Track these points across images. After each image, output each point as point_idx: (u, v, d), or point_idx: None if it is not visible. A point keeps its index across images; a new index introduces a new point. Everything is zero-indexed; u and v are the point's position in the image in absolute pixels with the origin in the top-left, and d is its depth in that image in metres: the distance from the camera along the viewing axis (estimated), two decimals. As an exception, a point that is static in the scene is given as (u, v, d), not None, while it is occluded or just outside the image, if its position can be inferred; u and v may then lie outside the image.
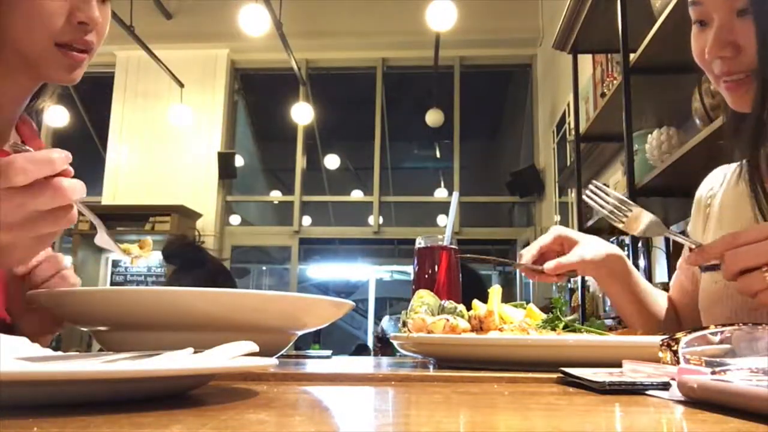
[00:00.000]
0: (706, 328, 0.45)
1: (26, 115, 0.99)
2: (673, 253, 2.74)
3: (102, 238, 0.74)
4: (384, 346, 2.72)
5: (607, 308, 3.21)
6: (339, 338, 9.33)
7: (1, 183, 0.57)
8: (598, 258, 1.01)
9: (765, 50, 0.80)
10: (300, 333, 0.78)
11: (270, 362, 0.48)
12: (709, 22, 0.86)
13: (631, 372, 0.53)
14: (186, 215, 6.16)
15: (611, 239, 3.27)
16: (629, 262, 1.07)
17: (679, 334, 0.46)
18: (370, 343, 8.01)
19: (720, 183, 1.06)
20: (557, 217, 5.44)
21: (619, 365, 0.59)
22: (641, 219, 0.82)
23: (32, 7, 0.83)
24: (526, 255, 1.03)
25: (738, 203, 0.94)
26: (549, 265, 0.98)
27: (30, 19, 0.84)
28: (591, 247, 1.03)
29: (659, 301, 1.10)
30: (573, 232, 1.06)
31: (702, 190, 1.10)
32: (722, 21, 0.84)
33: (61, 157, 0.59)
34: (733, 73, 0.85)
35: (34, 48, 0.85)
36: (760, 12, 0.80)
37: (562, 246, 1.03)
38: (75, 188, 0.60)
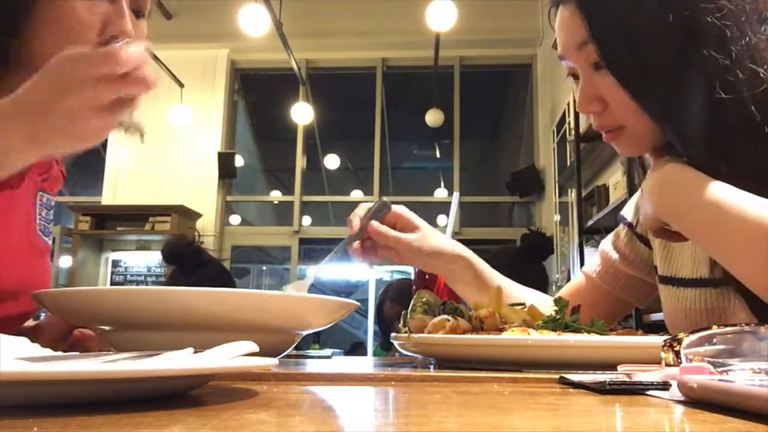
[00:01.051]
0: (709, 328, 0.45)
1: None
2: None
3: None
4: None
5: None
6: (339, 338, 9.32)
7: (104, 69, 0.61)
8: (439, 252, 0.99)
9: (639, 99, 0.77)
10: (304, 333, 0.78)
11: (270, 362, 0.48)
12: (578, 76, 0.84)
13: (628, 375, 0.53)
14: (186, 215, 6.16)
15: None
16: (478, 263, 1.03)
17: (681, 335, 0.46)
18: (370, 343, 8.01)
19: None
20: (557, 217, 5.44)
21: (620, 365, 0.59)
22: None
23: (64, 24, 0.80)
24: (355, 222, 0.98)
25: None
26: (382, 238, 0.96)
27: (61, 33, 0.80)
28: (432, 240, 1.00)
29: (540, 304, 1.02)
30: (413, 216, 1.01)
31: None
32: (584, 76, 0.82)
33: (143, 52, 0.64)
34: (607, 127, 0.83)
35: None
36: (613, 63, 0.77)
37: (394, 226, 1.00)
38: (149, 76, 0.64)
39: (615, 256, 1.05)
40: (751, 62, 0.73)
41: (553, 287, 4.93)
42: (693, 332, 0.45)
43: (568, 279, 4.62)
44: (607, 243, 1.08)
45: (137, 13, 0.88)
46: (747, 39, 0.73)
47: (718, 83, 0.72)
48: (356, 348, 6.06)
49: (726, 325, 0.44)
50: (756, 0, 0.75)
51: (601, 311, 1.04)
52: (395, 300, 2.95)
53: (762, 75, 0.72)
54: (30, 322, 1.01)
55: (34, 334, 0.98)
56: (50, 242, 0.99)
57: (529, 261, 2.34)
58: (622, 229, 1.07)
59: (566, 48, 0.83)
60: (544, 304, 1.00)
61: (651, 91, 0.77)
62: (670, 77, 0.75)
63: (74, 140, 0.65)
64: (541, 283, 2.32)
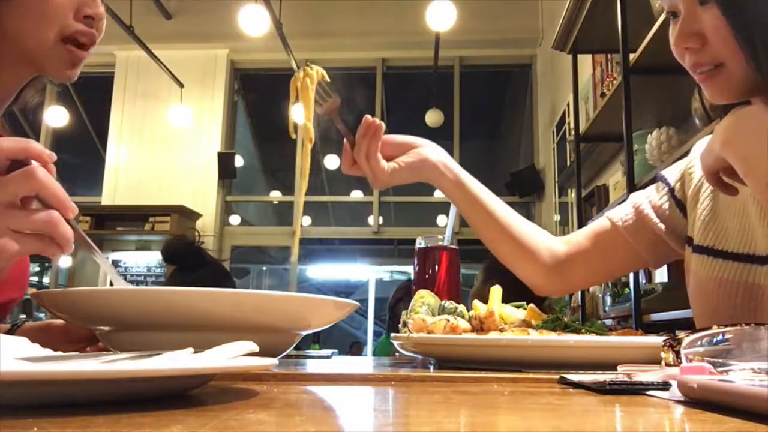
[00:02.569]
0: (709, 328, 0.45)
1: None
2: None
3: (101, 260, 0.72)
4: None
5: (607, 308, 3.21)
6: (339, 338, 9.33)
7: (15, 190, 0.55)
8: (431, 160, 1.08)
9: (739, 35, 0.76)
10: (304, 333, 0.78)
11: (270, 362, 0.48)
12: (678, 13, 0.83)
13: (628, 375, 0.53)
14: (186, 215, 6.16)
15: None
16: (450, 165, 1.10)
17: (681, 335, 0.46)
18: (369, 343, 8.01)
19: None
20: (557, 217, 5.44)
21: (620, 366, 0.59)
22: None
23: (41, 4, 0.84)
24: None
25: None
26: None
27: (39, 15, 0.84)
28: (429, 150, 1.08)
29: (532, 233, 1.03)
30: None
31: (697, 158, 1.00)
32: (686, 11, 0.81)
33: (38, 148, 0.57)
34: (702, 65, 0.82)
35: (39, 44, 0.85)
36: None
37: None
38: (49, 178, 0.57)
39: (648, 212, 1.01)
40: None
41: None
42: (693, 332, 0.45)
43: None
44: (642, 197, 1.04)
45: None
46: None
47: None
48: (353, 347, 6.07)
49: (726, 325, 0.44)
50: None
51: (612, 260, 1.02)
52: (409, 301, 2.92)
53: None
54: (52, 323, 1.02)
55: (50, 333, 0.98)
56: None
57: None
58: (661, 188, 1.02)
59: None
60: (544, 238, 1.03)
61: (752, 28, 0.75)
62: None
63: None
64: None
